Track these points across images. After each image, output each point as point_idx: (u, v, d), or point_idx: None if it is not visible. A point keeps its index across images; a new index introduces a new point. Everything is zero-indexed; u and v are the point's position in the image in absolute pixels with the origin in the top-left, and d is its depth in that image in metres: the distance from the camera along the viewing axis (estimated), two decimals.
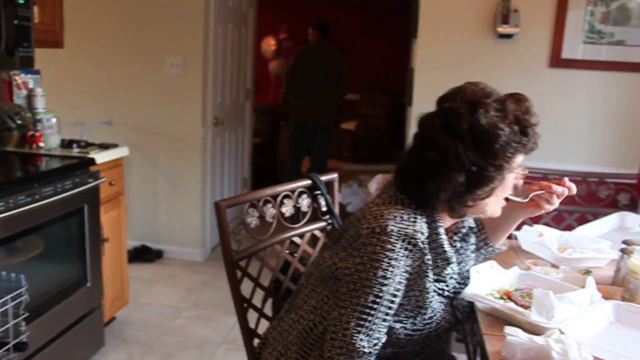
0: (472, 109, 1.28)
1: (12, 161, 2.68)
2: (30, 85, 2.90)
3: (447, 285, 1.41)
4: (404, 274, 1.29)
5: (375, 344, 1.28)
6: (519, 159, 1.33)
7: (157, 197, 4.27)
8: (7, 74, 2.87)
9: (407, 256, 1.28)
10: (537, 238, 1.86)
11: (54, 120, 2.85)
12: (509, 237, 1.98)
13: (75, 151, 2.82)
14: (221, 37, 4.24)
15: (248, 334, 1.63)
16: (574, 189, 1.44)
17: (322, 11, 8.42)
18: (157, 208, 4.28)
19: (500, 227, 1.54)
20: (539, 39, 2.99)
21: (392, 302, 1.28)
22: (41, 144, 2.79)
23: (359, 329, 1.26)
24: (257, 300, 1.72)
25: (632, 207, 2.43)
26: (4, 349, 1.96)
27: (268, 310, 1.74)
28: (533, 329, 1.26)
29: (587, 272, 1.67)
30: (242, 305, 1.62)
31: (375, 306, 1.26)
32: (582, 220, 2.29)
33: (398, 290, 1.28)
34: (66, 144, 2.89)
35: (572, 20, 2.93)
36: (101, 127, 4.04)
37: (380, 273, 1.25)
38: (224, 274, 1.63)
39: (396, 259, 1.26)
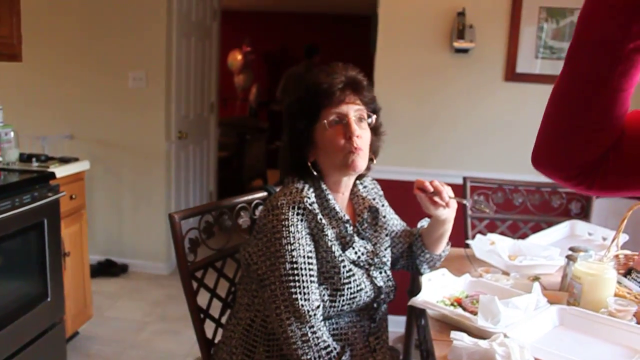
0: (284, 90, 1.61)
1: None
2: None
3: (357, 255, 1.50)
4: (307, 236, 1.41)
5: (317, 306, 1.38)
6: (327, 112, 1.45)
7: (121, 211, 4.24)
8: None
9: (301, 220, 1.41)
10: (490, 246, 1.92)
11: (12, 134, 2.82)
12: (466, 247, 2.05)
13: (35, 165, 2.79)
14: (184, 50, 4.26)
15: (205, 344, 1.64)
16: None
17: (284, 26, 8.51)
18: (122, 222, 4.25)
19: (432, 237, 1.64)
20: (494, 53, 3.08)
21: (310, 263, 1.40)
22: None
23: (294, 295, 1.36)
24: (215, 311, 1.74)
25: (582, 215, 2.51)
26: None
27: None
28: (481, 334, 1.31)
29: (536, 278, 1.73)
30: (198, 315, 1.64)
31: (296, 271, 1.37)
32: (537, 229, 2.35)
33: (310, 252, 1.40)
34: (25, 158, 2.86)
35: (526, 36, 3.03)
36: (63, 141, 4.01)
37: (285, 241, 1.39)
38: None
39: (293, 224, 1.40)
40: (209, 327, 1.70)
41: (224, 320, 1.72)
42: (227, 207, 1.74)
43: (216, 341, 1.69)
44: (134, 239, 4.25)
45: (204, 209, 1.70)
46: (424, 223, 1.73)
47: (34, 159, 2.84)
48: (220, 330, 1.69)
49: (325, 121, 1.45)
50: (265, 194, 1.84)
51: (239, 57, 8.32)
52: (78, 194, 2.99)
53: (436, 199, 1.52)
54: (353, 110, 1.47)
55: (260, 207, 1.82)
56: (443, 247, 1.67)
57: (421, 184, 1.53)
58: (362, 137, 1.46)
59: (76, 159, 3.01)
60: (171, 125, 4.14)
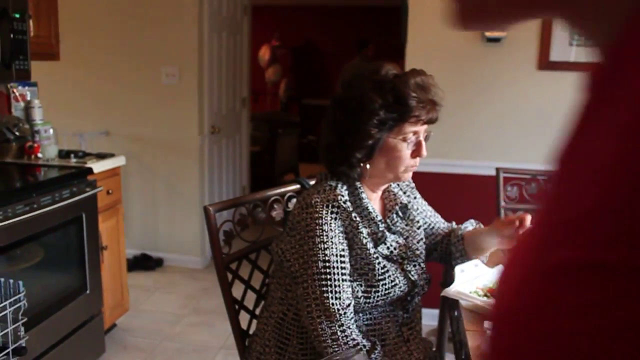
0: (349, 82, 1.47)
1: (11, 172, 2.73)
2: (28, 97, 2.95)
3: (389, 250, 1.50)
4: (341, 235, 1.41)
5: (347, 304, 1.39)
6: (407, 127, 1.42)
7: (155, 205, 4.31)
8: (4, 87, 2.93)
9: (335, 218, 1.40)
10: None
11: (51, 131, 2.90)
12: None
13: (73, 161, 2.87)
14: (216, 46, 4.30)
15: (240, 335, 1.67)
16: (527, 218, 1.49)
17: (312, 19, 8.51)
18: (156, 217, 4.33)
19: (479, 248, 1.63)
20: (526, 42, 3.03)
21: (343, 262, 1.40)
22: (39, 155, 2.84)
23: (325, 294, 1.37)
24: (249, 303, 1.77)
25: None
26: (3, 353, 2.01)
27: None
28: None
29: None
30: (233, 306, 1.66)
31: (328, 270, 1.38)
32: None
33: (343, 250, 1.40)
34: (64, 154, 2.93)
35: (559, 23, 2.98)
36: (99, 138, 4.10)
37: (318, 240, 1.39)
38: None
39: (327, 223, 1.40)
40: (244, 319, 1.73)
41: (258, 312, 1.75)
42: (261, 199, 1.76)
43: (250, 332, 1.71)
44: (168, 233, 4.32)
45: (238, 202, 1.72)
46: (468, 226, 1.71)
47: (72, 155, 2.91)
48: (254, 322, 1.72)
49: (402, 137, 1.43)
50: (298, 186, 1.85)
51: (268, 51, 8.36)
52: (114, 189, 3.06)
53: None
54: (424, 129, 1.47)
55: (293, 200, 1.83)
56: (485, 255, 1.66)
57: (525, 220, 1.48)
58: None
59: (112, 155, 3.07)
60: (204, 120, 4.19)
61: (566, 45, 3.01)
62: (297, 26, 8.62)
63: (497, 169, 2.50)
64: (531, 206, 2.51)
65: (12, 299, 2.05)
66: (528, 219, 1.49)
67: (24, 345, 2.13)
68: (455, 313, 1.56)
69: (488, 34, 2.95)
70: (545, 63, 3.03)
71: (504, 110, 3.13)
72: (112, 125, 4.21)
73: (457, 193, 3.18)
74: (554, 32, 3.00)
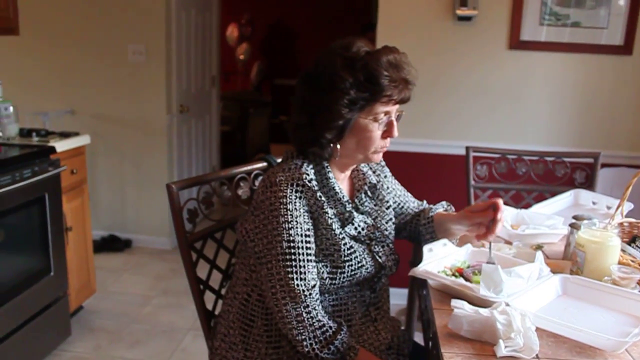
0: (319, 58, 1.40)
1: None
2: None
3: (357, 230, 1.47)
4: (305, 214, 1.38)
5: (313, 285, 1.36)
6: (378, 107, 1.38)
7: (123, 186, 4.23)
8: None
9: (299, 197, 1.37)
10: None
11: (11, 109, 2.80)
12: None
13: (35, 140, 2.78)
14: (184, 23, 4.20)
15: (205, 316, 1.64)
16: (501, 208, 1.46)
17: None
18: (124, 197, 4.25)
19: (449, 233, 1.59)
20: (497, 21, 3.02)
21: (308, 242, 1.37)
22: None
23: (290, 275, 1.34)
24: (215, 283, 1.74)
25: (587, 184, 2.48)
26: None
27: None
28: (483, 304, 1.29)
29: (539, 247, 1.71)
30: (198, 287, 1.63)
31: (293, 250, 1.34)
32: (540, 199, 2.32)
33: (308, 230, 1.37)
34: (25, 133, 2.84)
35: (530, 3, 2.96)
36: (64, 117, 3.99)
37: (282, 219, 1.35)
38: None
39: (291, 202, 1.36)
40: (210, 300, 1.70)
41: (224, 292, 1.71)
42: (226, 177, 1.72)
43: (216, 313, 1.68)
44: (137, 214, 4.25)
45: (203, 180, 1.68)
46: (439, 207, 1.69)
47: (34, 134, 2.83)
48: (220, 302, 1.68)
49: (373, 117, 1.38)
50: (265, 164, 1.81)
51: (236, 30, 8.21)
52: (79, 169, 2.98)
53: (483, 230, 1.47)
54: (396, 109, 1.43)
55: (260, 178, 1.79)
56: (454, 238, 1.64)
57: (499, 207, 1.45)
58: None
59: (76, 134, 2.99)
60: (172, 99, 4.11)
61: (537, 25, 3.01)
62: (269, 4, 8.49)
63: (467, 148, 2.49)
64: (500, 185, 2.52)
65: None
66: (501, 203, 1.47)
67: None
68: (424, 292, 1.55)
69: (459, 12, 2.92)
70: (516, 42, 3.03)
71: (474, 90, 3.12)
72: (77, 103, 4.09)
73: (428, 172, 3.17)
74: (525, 12, 2.99)
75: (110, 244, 4.15)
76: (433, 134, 3.17)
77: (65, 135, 2.93)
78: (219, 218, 1.73)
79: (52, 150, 2.69)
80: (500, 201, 1.46)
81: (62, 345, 2.84)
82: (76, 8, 3.96)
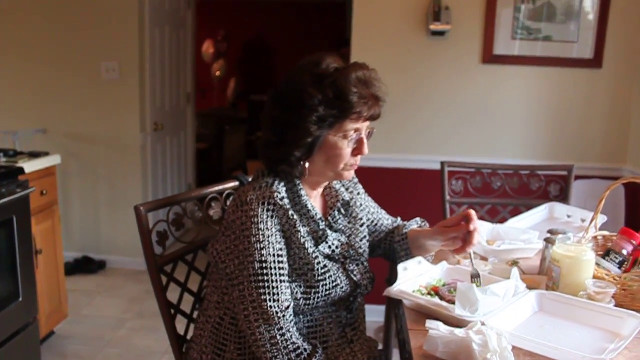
0: (289, 75, 1.40)
1: None
2: None
3: (331, 249, 1.45)
4: (278, 233, 1.35)
5: (286, 307, 1.33)
6: (348, 124, 1.36)
7: (97, 206, 4.16)
8: None
9: (271, 217, 1.34)
10: None
11: None
12: None
13: (2, 160, 2.71)
14: (158, 40, 4.17)
15: (176, 341, 1.59)
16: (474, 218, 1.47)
17: (261, 14, 8.41)
18: (98, 218, 4.17)
19: (423, 249, 1.58)
20: (471, 36, 3.04)
21: (280, 262, 1.34)
22: None
23: (263, 296, 1.31)
24: (187, 307, 1.69)
25: (562, 197, 2.49)
26: None
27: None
28: (459, 324, 1.27)
29: (515, 262, 1.70)
30: (169, 311, 1.59)
31: (265, 271, 1.31)
32: (516, 212, 2.32)
33: (281, 249, 1.35)
34: None
35: (502, 17, 2.99)
36: (36, 136, 3.91)
37: (254, 239, 1.32)
38: None
39: (263, 222, 1.33)
40: (181, 324, 1.65)
41: (196, 315, 1.67)
42: (198, 197, 1.68)
43: (188, 337, 1.63)
44: (111, 235, 4.18)
45: (173, 200, 1.64)
46: (413, 224, 1.67)
47: (1, 154, 2.76)
48: (192, 327, 1.64)
49: (343, 134, 1.36)
50: (237, 183, 1.78)
51: (212, 47, 8.22)
52: (49, 190, 2.92)
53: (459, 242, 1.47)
54: (366, 126, 1.41)
55: (232, 198, 1.76)
56: (431, 254, 1.62)
57: (471, 218, 1.45)
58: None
59: (46, 154, 2.93)
60: (146, 117, 4.06)
61: (509, 39, 3.03)
62: (246, 21, 8.50)
63: (442, 163, 2.49)
64: (475, 199, 2.51)
65: None
66: (473, 214, 1.46)
67: None
68: (399, 312, 1.52)
69: (433, 27, 2.93)
70: (489, 56, 3.05)
71: (449, 104, 3.13)
72: (49, 122, 4.02)
73: (403, 188, 3.16)
74: (498, 27, 3.01)
75: (84, 266, 4.07)
76: (407, 148, 3.17)
77: (34, 155, 2.87)
78: (191, 240, 1.69)
79: (21, 171, 2.62)
80: (472, 212, 1.45)
81: None
82: (48, 25, 3.91)
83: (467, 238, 1.45)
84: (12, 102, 4.02)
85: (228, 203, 1.74)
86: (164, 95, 4.36)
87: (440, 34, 3.00)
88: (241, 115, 7.63)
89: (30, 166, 2.71)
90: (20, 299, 2.62)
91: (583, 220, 2.10)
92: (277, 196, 1.35)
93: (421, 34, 3.05)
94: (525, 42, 3.03)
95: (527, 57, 3.03)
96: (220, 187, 1.74)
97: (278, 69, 8.49)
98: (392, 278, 1.63)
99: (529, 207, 2.32)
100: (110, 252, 4.18)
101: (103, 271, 4.12)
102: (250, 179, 1.73)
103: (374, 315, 2.73)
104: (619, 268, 1.57)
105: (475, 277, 1.47)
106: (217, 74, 8.17)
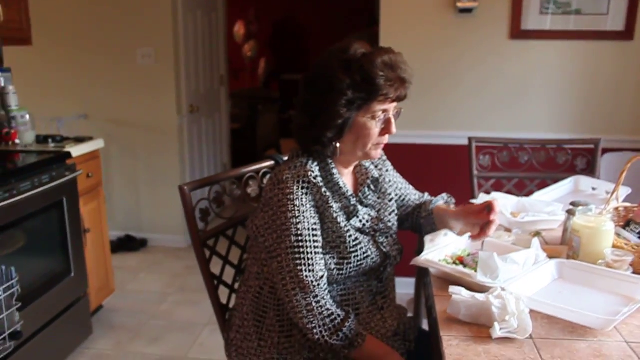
0: (319, 61, 1.48)
1: None
2: (2, 84, 2.93)
3: (362, 223, 1.55)
4: (312, 209, 1.45)
5: (321, 276, 1.43)
6: (376, 106, 1.44)
7: (137, 187, 4.33)
8: None
9: (306, 194, 1.45)
10: None
11: (27, 117, 2.90)
12: None
13: (51, 146, 2.87)
14: (191, 25, 4.28)
15: (220, 309, 1.72)
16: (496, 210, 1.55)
17: None
18: (139, 198, 4.35)
19: (448, 226, 1.67)
20: (498, 12, 3.06)
21: (315, 235, 1.44)
22: (17, 141, 2.84)
23: (299, 267, 1.42)
24: (228, 278, 1.82)
25: (589, 171, 2.53)
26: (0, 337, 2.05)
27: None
28: (481, 290, 1.36)
29: (537, 233, 1.77)
30: (212, 282, 1.71)
31: (301, 244, 1.42)
32: (543, 186, 2.38)
33: (315, 224, 1.45)
34: (42, 139, 2.94)
35: None
36: (78, 122, 4.09)
37: (290, 215, 1.42)
38: None
39: (298, 198, 1.43)
40: (224, 294, 1.78)
41: (237, 286, 1.80)
42: (236, 177, 1.79)
43: (230, 306, 1.76)
44: (151, 214, 4.35)
45: (213, 180, 1.75)
46: (439, 200, 1.76)
47: (50, 140, 2.92)
48: (233, 296, 1.77)
49: (371, 115, 1.45)
50: (272, 162, 1.88)
51: (243, 27, 8.29)
52: (94, 172, 3.08)
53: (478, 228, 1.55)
54: (394, 107, 1.50)
55: (268, 176, 1.87)
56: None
57: (493, 209, 1.53)
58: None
59: (90, 138, 3.08)
60: (182, 100, 4.20)
61: (537, 14, 3.05)
62: (275, 1, 8.54)
63: (470, 139, 2.55)
64: (503, 174, 2.57)
65: (5, 285, 2.08)
66: (496, 205, 1.53)
67: (19, 329, 2.17)
68: (427, 279, 1.61)
69: (460, 4, 2.97)
70: (517, 32, 3.07)
71: (477, 80, 3.17)
72: (90, 108, 4.20)
73: (431, 163, 3.23)
74: (526, 1, 3.02)
75: (127, 244, 4.26)
76: (436, 125, 3.23)
77: (79, 140, 3.02)
78: (230, 216, 1.81)
79: (68, 155, 2.78)
80: (495, 203, 1.53)
81: (84, 343, 2.95)
82: (84, 15, 4.06)
83: (484, 227, 1.53)
84: (54, 90, 4.19)
85: (264, 181, 1.85)
86: (198, 78, 4.49)
87: (468, 10, 3.03)
88: (273, 95, 7.73)
89: (76, 150, 2.87)
90: (72, 275, 2.80)
91: (608, 193, 2.15)
92: (311, 174, 1.46)
93: (449, 11, 3.08)
94: (555, 16, 3.04)
95: (556, 32, 3.04)
96: (257, 167, 1.85)
97: (309, 48, 8.54)
98: (421, 249, 1.73)
99: (556, 181, 2.37)
100: (150, 230, 4.36)
101: (145, 249, 4.31)
102: (285, 158, 1.85)
103: (405, 287, 2.83)
104: (639, 238, 1.63)
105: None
106: (249, 54, 8.26)
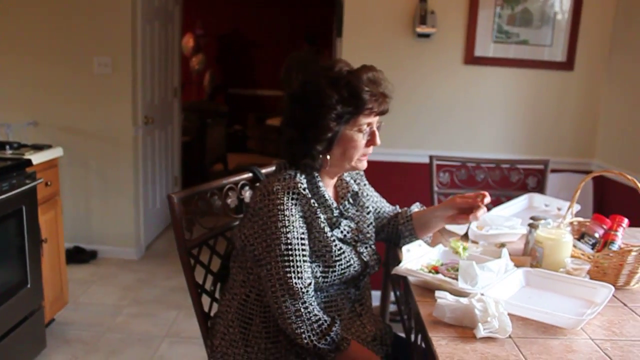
0: (305, 80, 1.59)
1: None
2: None
3: (343, 234, 1.65)
4: (300, 219, 1.53)
5: (309, 283, 1.51)
6: (362, 119, 1.56)
7: (88, 197, 4.25)
8: None
9: (295, 204, 1.52)
10: None
11: None
12: None
13: (9, 153, 2.81)
14: (149, 35, 4.28)
15: (203, 317, 1.75)
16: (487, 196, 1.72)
17: (237, 8, 8.48)
18: (89, 208, 4.27)
19: (427, 226, 1.82)
20: (454, 38, 3.25)
21: (303, 244, 1.52)
22: None
23: (288, 274, 1.48)
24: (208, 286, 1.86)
25: (538, 189, 2.72)
26: None
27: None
28: (461, 295, 1.46)
29: (502, 245, 1.91)
30: (196, 290, 1.75)
31: (290, 252, 1.49)
32: (497, 202, 2.55)
33: (303, 233, 1.52)
34: None
35: (483, 22, 3.22)
36: (27, 129, 3.98)
37: (280, 224, 1.49)
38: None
39: (288, 209, 1.50)
40: (205, 302, 1.81)
41: (217, 294, 1.84)
42: (217, 188, 1.84)
43: (212, 314, 1.80)
44: (102, 226, 4.28)
45: (198, 190, 1.80)
46: (414, 208, 1.88)
47: (7, 147, 2.85)
48: (214, 305, 1.81)
49: (358, 128, 1.56)
50: (250, 175, 1.94)
51: (192, 40, 8.28)
52: (53, 181, 3.03)
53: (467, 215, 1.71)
54: (376, 120, 1.61)
55: (246, 188, 1.93)
56: (430, 234, 1.86)
57: (485, 196, 1.70)
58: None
59: (49, 146, 3.03)
60: (138, 111, 4.17)
61: (489, 42, 3.25)
62: (223, 14, 8.57)
63: (431, 157, 2.70)
64: (460, 190, 2.72)
65: None
66: (487, 194, 1.70)
67: None
68: (397, 292, 1.71)
69: (419, 29, 3.14)
70: (471, 58, 3.26)
71: (433, 101, 3.34)
72: (40, 115, 4.09)
73: (397, 179, 3.37)
74: (479, 30, 3.23)
75: (75, 256, 4.16)
76: (397, 143, 3.37)
77: (38, 147, 2.97)
78: (211, 226, 1.85)
79: (29, 163, 2.73)
80: (487, 193, 1.70)
81: (38, 357, 2.86)
82: (41, 20, 3.98)
83: (475, 210, 1.69)
84: (4, 94, 4.07)
85: (243, 193, 1.91)
86: (154, 90, 4.48)
87: (426, 36, 3.20)
88: (222, 109, 7.74)
89: (36, 158, 2.82)
90: (29, 286, 2.73)
91: (559, 209, 2.33)
92: (300, 186, 1.54)
93: (408, 35, 3.25)
94: (504, 44, 3.26)
95: (505, 59, 3.26)
96: (237, 178, 1.91)
97: (256, 64, 8.60)
98: (388, 261, 1.84)
99: (509, 198, 2.55)
100: (101, 242, 4.28)
101: (95, 260, 4.22)
102: (263, 171, 1.93)
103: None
104: (592, 248, 1.79)
105: (464, 237, 1.86)
106: (197, 67, 8.24)
